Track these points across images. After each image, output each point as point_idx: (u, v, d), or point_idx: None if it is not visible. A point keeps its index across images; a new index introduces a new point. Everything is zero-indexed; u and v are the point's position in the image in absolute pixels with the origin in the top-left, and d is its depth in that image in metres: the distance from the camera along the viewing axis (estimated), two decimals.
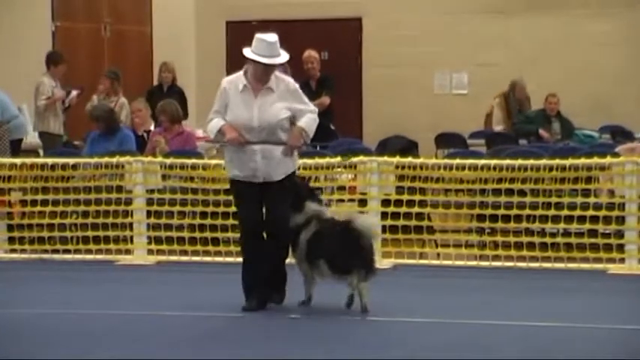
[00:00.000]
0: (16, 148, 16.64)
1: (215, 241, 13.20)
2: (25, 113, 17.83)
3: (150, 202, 13.49)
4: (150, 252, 13.41)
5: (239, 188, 10.14)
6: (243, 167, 9.97)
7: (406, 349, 8.92)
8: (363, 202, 12.98)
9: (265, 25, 21.80)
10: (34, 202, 13.73)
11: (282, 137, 9.94)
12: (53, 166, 13.81)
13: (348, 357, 8.58)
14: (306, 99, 10.13)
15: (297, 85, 10.14)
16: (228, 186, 13.17)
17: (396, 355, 8.69)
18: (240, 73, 10.00)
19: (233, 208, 12.93)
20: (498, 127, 18.60)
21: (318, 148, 15.11)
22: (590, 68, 20.60)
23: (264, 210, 10.06)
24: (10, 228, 14.00)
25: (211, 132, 10.14)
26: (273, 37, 9.87)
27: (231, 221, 12.93)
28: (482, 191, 12.93)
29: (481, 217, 12.98)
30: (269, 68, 9.85)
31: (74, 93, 17.67)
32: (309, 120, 9.99)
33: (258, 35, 9.89)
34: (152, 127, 15.69)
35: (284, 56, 9.91)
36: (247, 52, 9.80)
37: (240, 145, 9.87)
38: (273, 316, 9.89)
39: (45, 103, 17.02)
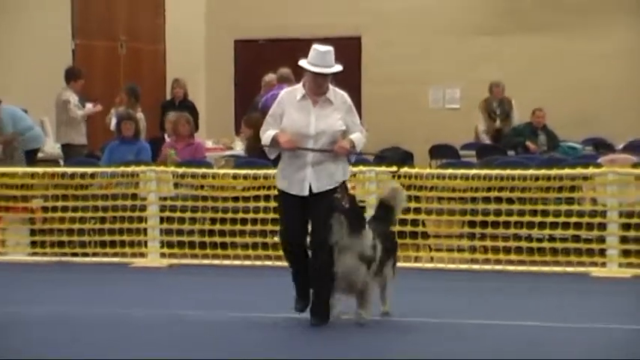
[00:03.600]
0: (32, 158, 16.70)
1: (224, 246, 13.21)
2: (46, 125, 17.89)
3: (163, 208, 13.51)
4: (162, 255, 13.43)
5: (285, 200, 9.53)
6: (292, 178, 9.40)
7: (399, 347, 8.94)
8: (362, 209, 12.97)
9: (270, 44, 22.01)
10: (54, 209, 13.75)
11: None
12: (73, 175, 13.84)
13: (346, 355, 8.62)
14: (358, 118, 9.71)
15: (351, 102, 9.64)
16: (235, 194, 13.34)
17: (387, 353, 8.72)
18: (300, 84, 9.55)
19: (241, 214, 13.06)
20: (482, 128, 18.76)
21: None
22: (574, 85, 20.62)
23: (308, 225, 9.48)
24: (32, 232, 14.03)
25: (266, 142, 9.50)
26: (326, 47, 9.44)
27: (239, 227, 12.99)
28: (473, 199, 12.95)
29: (472, 224, 13.00)
30: (320, 77, 9.38)
31: (90, 106, 17.72)
32: (359, 135, 9.52)
33: (313, 45, 9.45)
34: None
35: (337, 67, 9.45)
36: (302, 62, 9.40)
37: (293, 149, 9.32)
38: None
39: (83, 114, 17.08)
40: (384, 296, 9.76)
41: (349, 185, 11.77)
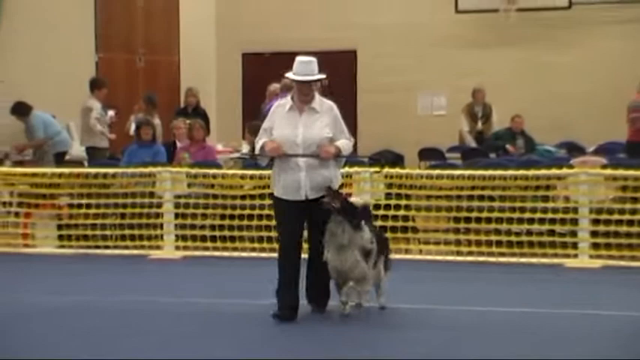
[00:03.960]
0: (60, 159, 16.69)
1: (232, 239, 13.20)
2: (72, 130, 17.88)
3: (177, 205, 13.50)
4: (177, 248, 13.43)
5: (281, 206, 9.20)
6: (287, 184, 9.09)
7: (388, 327, 8.95)
8: (354, 205, 12.95)
9: (275, 57, 21.96)
10: (79, 206, 13.76)
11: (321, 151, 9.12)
12: (96, 175, 13.82)
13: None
14: (345, 127, 9.35)
15: (338, 111, 9.31)
16: (243, 192, 13.30)
17: (376, 331, 8.70)
18: (289, 96, 9.30)
19: (248, 211, 13.02)
20: (466, 129, 18.75)
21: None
22: (549, 94, 20.61)
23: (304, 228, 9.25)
24: (59, 227, 14.03)
25: (257, 150, 9.27)
26: (308, 58, 9.21)
27: (245, 222, 12.95)
28: (458, 197, 12.94)
29: (457, 219, 12.99)
30: (304, 85, 9.11)
31: (111, 113, 17.70)
32: (346, 141, 9.18)
33: (297, 57, 9.23)
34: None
35: (319, 75, 9.18)
36: (288, 73, 9.18)
37: (280, 155, 9.05)
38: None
39: (100, 129, 17.04)
40: (380, 291, 9.51)
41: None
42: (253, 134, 14.43)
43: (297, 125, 9.09)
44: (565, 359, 7.86)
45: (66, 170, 14.26)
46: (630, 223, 12.20)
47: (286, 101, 9.29)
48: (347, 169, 12.99)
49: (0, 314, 9.73)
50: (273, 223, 12.72)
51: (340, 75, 21.64)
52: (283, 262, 9.16)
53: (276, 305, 9.11)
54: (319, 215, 8.97)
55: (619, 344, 8.38)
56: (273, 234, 12.78)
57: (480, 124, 18.89)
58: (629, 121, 15.10)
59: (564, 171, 12.84)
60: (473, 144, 18.60)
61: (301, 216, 9.10)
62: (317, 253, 9.08)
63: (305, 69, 9.11)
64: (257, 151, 9.27)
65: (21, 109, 16.91)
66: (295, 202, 9.05)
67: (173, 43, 21.43)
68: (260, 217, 13.02)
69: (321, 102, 9.23)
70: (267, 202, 12.94)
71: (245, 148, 17.14)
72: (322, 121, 9.12)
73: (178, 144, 15.82)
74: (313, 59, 9.19)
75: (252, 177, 13.28)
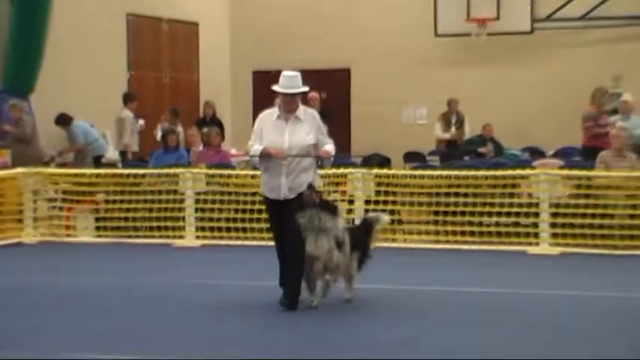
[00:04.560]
0: (97, 162, 16.73)
1: (244, 230, 13.19)
2: (107, 137, 17.90)
3: (197, 201, 13.48)
4: (197, 237, 13.40)
5: (268, 205, 8.96)
6: (272, 187, 8.79)
7: (377, 306, 8.92)
8: (351, 202, 12.99)
9: (280, 75, 21.91)
10: (114, 201, 13.75)
11: (307, 160, 8.79)
12: (128, 175, 13.83)
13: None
14: (327, 134, 9.05)
15: (320, 119, 9.01)
16: (253, 190, 13.28)
17: (367, 306, 8.71)
18: (276, 107, 8.97)
19: (257, 206, 13.01)
20: (439, 131, 18.89)
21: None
22: (515, 105, 20.60)
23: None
24: (96, 219, 14.02)
25: (255, 153, 8.80)
26: (293, 73, 8.90)
27: (256, 215, 12.94)
28: (437, 194, 12.93)
29: (436, 213, 12.96)
30: (289, 97, 8.77)
31: (141, 122, 17.73)
32: (331, 146, 8.90)
33: (282, 72, 8.93)
34: (201, 147, 15.73)
35: (302, 88, 8.84)
36: (274, 86, 8.85)
37: (284, 157, 8.65)
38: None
39: (126, 142, 17.09)
40: (348, 285, 8.96)
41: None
42: None
43: (284, 133, 8.77)
44: (526, 329, 7.89)
45: (102, 171, 14.28)
46: (584, 216, 12.19)
47: (274, 110, 8.94)
48: (342, 169, 13.08)
49: (49, 292, 9.78)
50: None
51: (336, 90, 21.69)
52: (279, 251, 8.87)
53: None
54: (293, 211, 8.61)
55: (573, 318, 8.41)
56: None
57: (453, 130, 18.94)
58: (584, 129, 15.11)
59: (527, 171, 12.84)
60: (446, 136, 18.74)
61: (283, 212, 8.77)
62: (292, 246, 8.62)
63: (289, 82, 8.80)
64: (255, 154, 8.82)
65: (63, 120, 16.96)
66: (276, 200, 8.79)
67: (193, 63, 21.45)
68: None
69: (304, 111, 8.92)
70: None
71: None
72: (306, 128, 8.81)
73: (193, 149, 15.79)
74: (297, 74, 8.90)
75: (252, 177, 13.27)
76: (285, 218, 8.66)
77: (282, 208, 8.72)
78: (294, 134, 8.76)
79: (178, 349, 7.34)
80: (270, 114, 8.93)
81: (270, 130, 8.79)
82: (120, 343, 7.56)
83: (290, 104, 8.80)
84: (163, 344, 7.51)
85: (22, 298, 9.45)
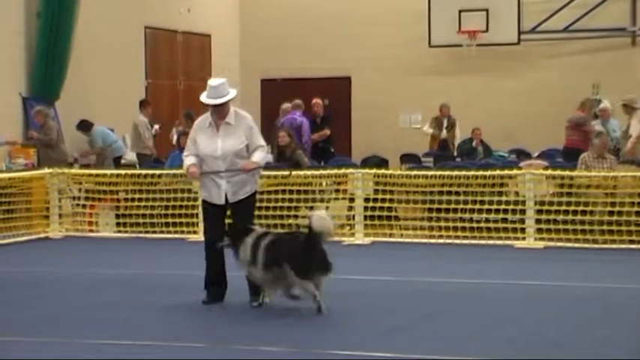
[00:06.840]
0: (117, 163, 16.75)
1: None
2: (126, 140, 17.92)
3: None
4: None
5: (205, 208, 8.48)
6: (211, 191, 8.34)
7: (372, 295, 8.91)
8: (352, 200, 12.99)
9: (286, 82, 21.97)
10: (133, 199, 13.75)
11: (240, 163, 8.25)
12: (146, 175, 13.83)
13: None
14: (259, 135, 8.44)
15: (253, 123, 8.44)
16: (262, 189, 13.26)
17: (366, 298, 8.70)
18: (208, 113, 8.37)
19: (265, 203, 12.93)
20: (429, 131, 18.98)
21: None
22: (502, 110, 20.62)
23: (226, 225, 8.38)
24: (117, 216, 14.01)
25: (184, 168, 8.47)
26: (217, 81, 8.28)
27: (263, 212, 12.90)
28: (431, 192, 12.92)
29: (430, 210, 12.96)
30: (216, 107, 8.23)
31: (157, 127, 17.75)
32: (261, 154, 8.35)
33: (208, 82, 8.29)
34: None
35: (228, 95, 8.22)
36: (202, 96, 8.29)
37: (196, 178, 8.42)
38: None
39: (148, 137, 17.11)
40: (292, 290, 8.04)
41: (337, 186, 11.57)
42: (268, 144, 14.50)
43: (216, 140, 8.27)
44: (512, 317, 7.90)
45: (122, 171, 14.26)
46: (566, 212, 12.19)
47: (205, 118, 8.39)
48: (343, 170, 13.07)
49: (74, 282, 9.82)
50: (285, 212, 12.82)
51: (338, 96, 21.71)
52: (209, 252, 8.45)
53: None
54: (239, 216, 8.33)
55: (557, 306, 8.42)
56: (284, 221, 12.82)
57: (445, 132, 18.97)
58: (581, 131, 15.19)
59: (514, 172, 12.83)
60: (430, 131, 18.89)
61: (222, 216, 8.41)
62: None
63: (215, 92, 8.19)
64: (184, 166, 8.42)
65: (84, 126, 17.02)
66: (219, 205, 8.36)
67: (206, 71, 21.43)
68: (275, 208, 13.01)
69: (235, 115, 8.34)
70: (281, 196, 13.00)
71: None
72: (237, 133, 8.29)
73: None
74: (223, 81, 8.28)
75: (269, 177, 13.25)
76: (235, 220, 8.30)
77: (224, 213, 8.34)
78: (225, 141, 8.26)
79: (195, 334, 7.35)
80: (203, 121, 8.41)
81: (203, 138, 8.32)
82: (137, 328, 7.58)
83: (219, 112, 8.26)
84: (180, 331, 7.53)
85: (48, 287, 9.48)
